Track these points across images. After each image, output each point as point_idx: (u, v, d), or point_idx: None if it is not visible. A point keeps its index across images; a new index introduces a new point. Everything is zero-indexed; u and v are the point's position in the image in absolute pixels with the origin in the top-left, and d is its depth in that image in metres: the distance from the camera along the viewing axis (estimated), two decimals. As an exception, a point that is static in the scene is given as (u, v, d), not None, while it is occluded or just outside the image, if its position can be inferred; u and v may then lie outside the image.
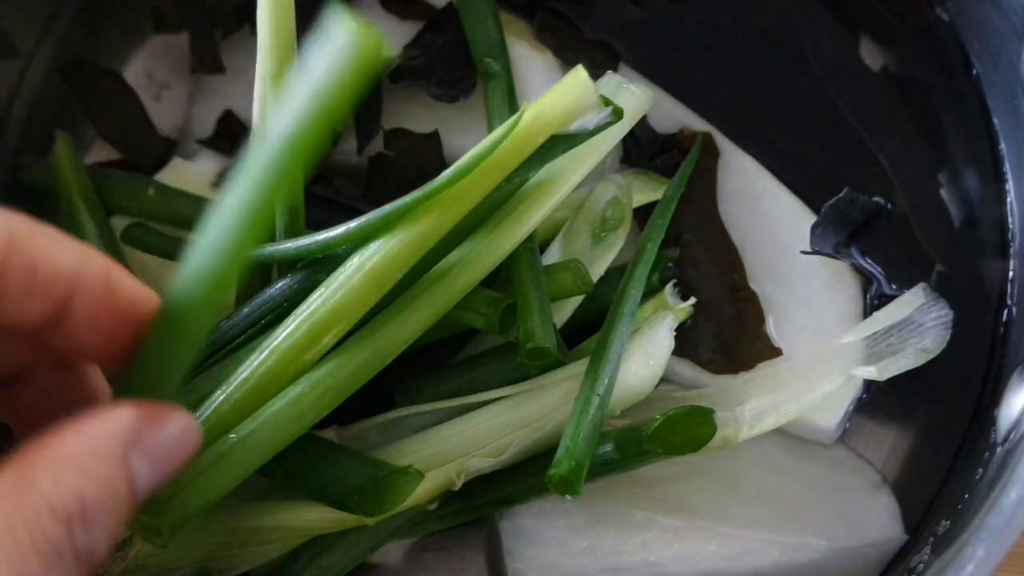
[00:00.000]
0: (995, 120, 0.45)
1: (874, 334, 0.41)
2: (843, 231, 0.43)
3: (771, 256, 0.44)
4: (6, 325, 0.26)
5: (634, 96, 0.41)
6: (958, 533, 0.36)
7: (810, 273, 0.43)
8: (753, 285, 0.43)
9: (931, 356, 0.40)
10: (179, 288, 0.27)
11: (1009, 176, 0.44)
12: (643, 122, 0.45)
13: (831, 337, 0.42)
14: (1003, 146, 0.44)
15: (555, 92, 0.33)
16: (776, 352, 0.42)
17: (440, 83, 0.44)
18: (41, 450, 0.24)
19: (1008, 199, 0.44)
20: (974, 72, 0.45)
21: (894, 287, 0.43)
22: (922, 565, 0.37)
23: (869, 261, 0.43)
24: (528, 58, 0.44)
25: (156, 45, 0.48)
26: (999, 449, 0.39)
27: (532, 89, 0.43)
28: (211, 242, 0.26)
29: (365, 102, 0.44)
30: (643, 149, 0.44)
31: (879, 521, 0.41)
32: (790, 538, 0.40)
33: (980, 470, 0.39)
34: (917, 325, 0.40)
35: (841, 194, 0.43)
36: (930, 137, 0.45)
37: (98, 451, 0.24)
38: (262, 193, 0.25)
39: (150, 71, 0.48)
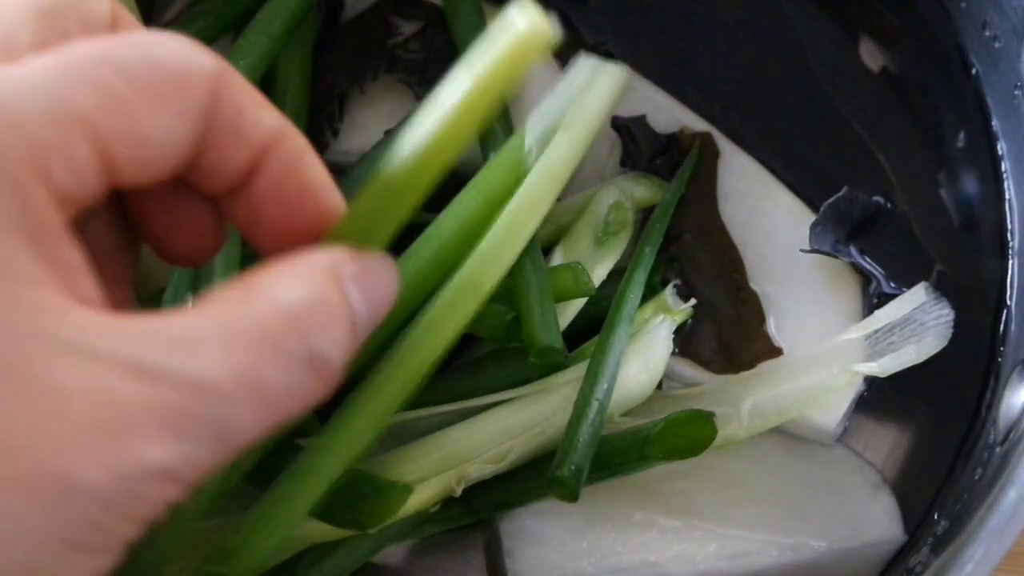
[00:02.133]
0: (995, 120, 0.45)
1: (875, 332, 0.41)
2: (842, 230, 0.43)
3: (771, 256, 0.44)
4: (208, 169, 0.25)
5: (612, 75, 0.40)
6: (957, 533, 0.36)
7: (810, 273, 0.44)
8: (753, 285, 0.43)
9: (932, 353, 0.40)
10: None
11: (1008, 176, 0.44)
12: (643, 122, 0.45)
13: (832, 336, 0.42)
14: (1002, 146, 0.44)
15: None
16: (777, 352, 0.42)
17: (430, 82, 0.44)
18: (261, 269, 0.23)
19: (1007, 199, 0.44)
20: (974, 72, 0.45)
21: (893, 286, 0.43)
22: (921, 565, 0.37)
23: (868, 260, 0.43)
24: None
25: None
26: (999, 449, 0.39)
27: (530, 90, 0.43)
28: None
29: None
30: (643, 149, 0.44)
31: (879, 521, 0.41)
32: (790, 538, 0.40)
33: (980, 470, 0.39)
34: (918, 324, 0.40)
35: (840, 193, 0.43)
36: (930, 137, 0.45)
37: (318, 268, 0.24)
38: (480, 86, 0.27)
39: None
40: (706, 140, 0.44)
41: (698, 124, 0.45)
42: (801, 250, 0.43)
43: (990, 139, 0.45)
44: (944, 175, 0.45)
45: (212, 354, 0.21)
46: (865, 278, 0.43)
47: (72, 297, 0.21)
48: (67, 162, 0.21)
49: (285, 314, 0.23)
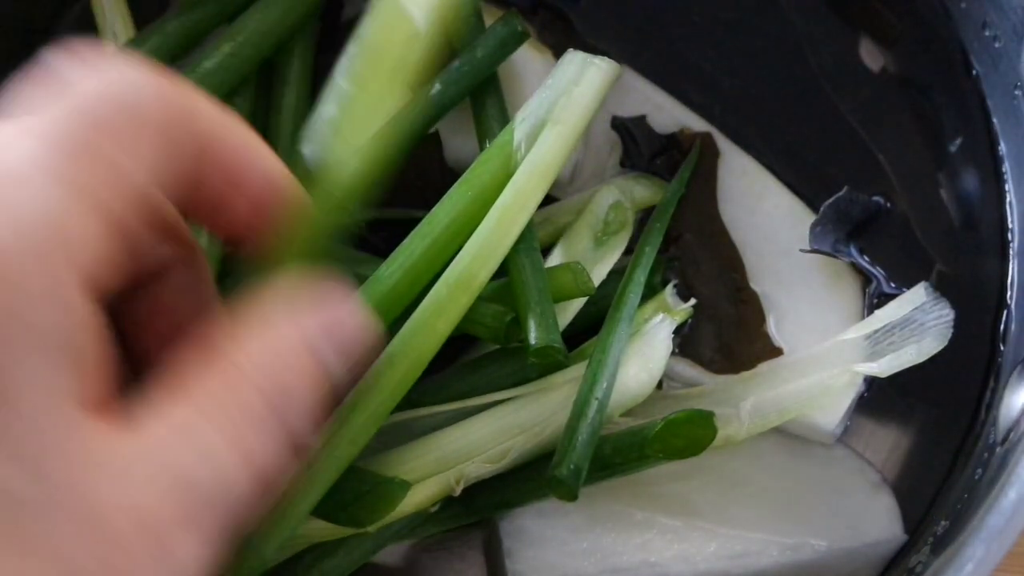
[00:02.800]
0: (995, 120, 0.45)
1: (875, 332, 0.41)
2: (842, 230, 0.43)
3: (771, 256, 0.44)
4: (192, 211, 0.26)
5: (600, 70, 0.40)
6: (957, 533, 0.36)
7: (811, 273, 0.44)
8: (753, 285, 0.43)
9: (932, 353, 0.40)
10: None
11: (1008, 176, 0.44)
12: (643, 122, 0.45)
13: (832, 336, 0.42)
14: (1003, 146, 0.44)
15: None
16: (777, 352, 0.42)
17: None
18: (230, 341, 0.24)
19: (1008, 199, 0.44)
20: (974, 72, 0.45)
21: (893, 286, 0.43)
22: (921, 565, 0.37)
23: (868, 260, 0.43)
24: (528, 59, 0.44)
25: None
26: (999, 449, 0.39)
27: (524, 86, 0.43)
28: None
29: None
30: (642, 150, 0.44)
31: (879, 521, 0.41)
32: (790, 538, 0.40)
33: (980, 470, 0.39)
34: (918, 324, 0.40)
35: (840, 193, 0.43)
36: (930, 137, 0.45)
37: (292, 342, 0.25)
38: None
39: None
40: (706, 140, 0.44)
41: (698, 124, 0.45)
42: (801, 250, 0.43)
43: (990, 139, 0.45)
44: (944, 175, 0.45)
45: (221, 446, 0.23)
46: (865, 278, 0.43)
47: (105, 417, 0.22)
48: (95, 255, 0.22)
49: (267, 401, 0.24)
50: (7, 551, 0.20)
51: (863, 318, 0.42)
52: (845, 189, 0.43)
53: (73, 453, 0.21)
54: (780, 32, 0.46)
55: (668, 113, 0.45)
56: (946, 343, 0.40)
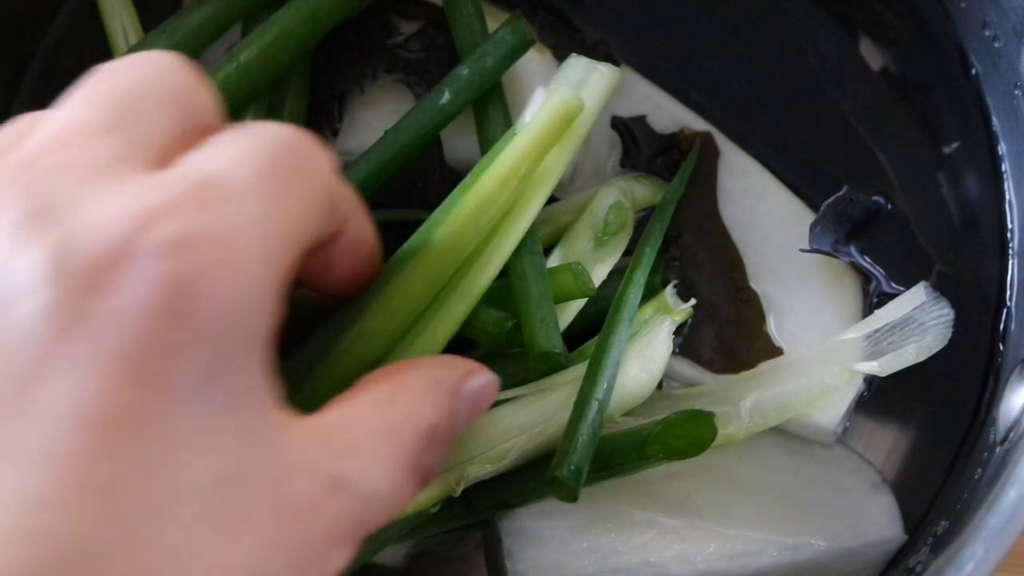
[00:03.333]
0: (994, 120, 0.45)
1: (875, 331, 0.41)
2: (842, 229, 0.43)
3: (771, 256, 0.44)
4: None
5: (603, 76, 0.41)
6: (957, 533, 0.36)
7: (811, 273, 0.44)
8: (754, 285, 0.43)
9: (933, 352, 0.40)
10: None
11: (1008, 176, 0.44)
12: (642, 122, 0.45)
13: (832, 336, 0.42)
14: (1002, 146, 0.44)
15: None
16: (777, 351, 0.42)
17: (430, 83, 0.44)
18: (393, 376, 0.28)
19: (1007, 199, 0.44)
20: (974, 72, 0.45)
21: (893, 286, 0.43)
22: (921, 565, 0.37)
23: (868, 260, 0.43)
24: (528, 59, 0.44)
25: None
26: (999, 449, 0.39)
27: (531, 90, 0.43)
28: None
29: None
30: (642, 150, 0.44)
31: (878, 521, 0.41)
32: (790, 538, 0.40)
33: (979, 470, 0.39)
34: (918, 324, 0.40)
35: (840, 193, 0.43)
36: (930, 137, 0.45)
37: (444, 385, 0.29)
38: None
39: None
40: (706, 140, 0.44)
41: (698, 124, 0.45)
42: (801, 250, 0.43)
43: (990, 139, 0.45)
44: (944, 175, 0.45)
45: (374, 464, 0.26)
46: (865, 278, 0.43)
47: (281, 408, 0.25)
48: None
49: (420, 437, 0.27)
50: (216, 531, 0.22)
51: (863, 318, 0.42)
52: (845, 189, 0.43)
53: (268, 441, 0.24)
54: (780, 32, 0.46)
55: (668, 113, 0.45)
56: (946, 342, 0.40)
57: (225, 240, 0.23)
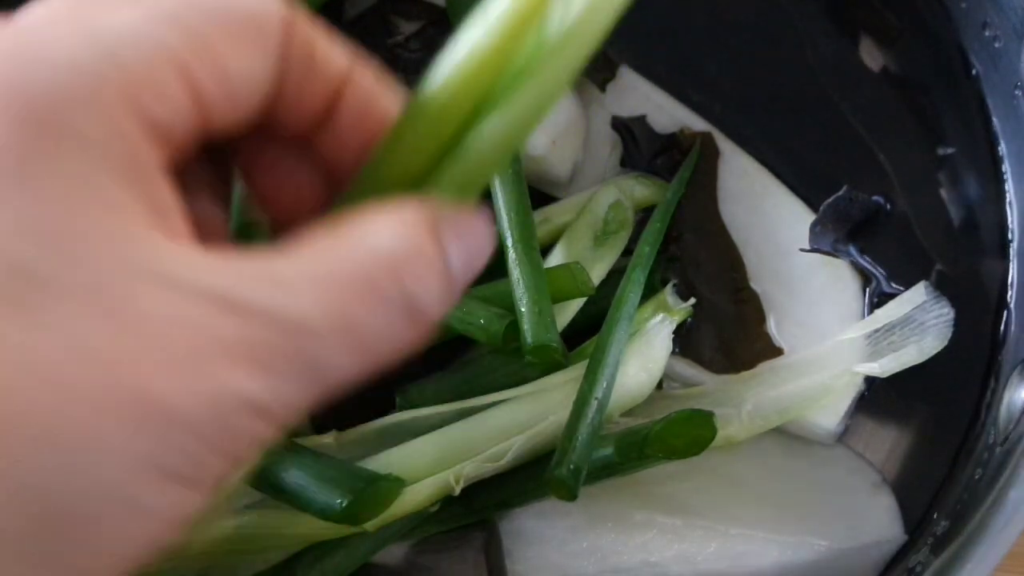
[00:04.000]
0: (994, 120, 0.45)
1: (875, 331, 0.41)
2: (842, 229, 0.43)
3: (772, 256, 0.44)
4: (285, 117, 0.25)
5: None
6: (957, 533, 0.36)
7: (811, 272, 0.44)
8: (754, 284, 0.43)
9: (933, 353, 0.40)
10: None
11: (1009, 176, 0.44)
12: (643, 122, 0.45)
13: (832, 336, 0.42)
14: (1002, 146, 0.44)
15: None
16: (777, 351, 0.42)
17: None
18: (356, 215, 0.23)
19: (1007, 199, 0.44)
20: (974, 72, 0.45)
21: (894, 286, 0.43)
22: (921, 565, 0.37)
23: (868, 259, 0.43)
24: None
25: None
26: (999, 449, 0.39)
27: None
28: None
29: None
30: (642, 150, 0.44)
31: (879, 521, 0.41)
32: (790, 538, 0.40)
33: (979, 470, 0.39)
34: (918, 324, 0.40)
35: (840, 192, 0.43)
36: (930, 137, 0.45)
37: (416, 218, 0.23)
38: None
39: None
40: (706, 140, 0.45)
41: (698, 124, 0.45)
42: (801, 249, 0.43)
43: (990, 139, 0.45)
44: (944, 175, 0.45)
45: (306, 294, 0.21)
46: (865, 278, 0.43)
47: (164, 232, 0.21)
48: (160, 97, 0.21)
49: (381, 259, 0.22)
50: (11, 324, 0.19)
51: (863, 318, 0.42)
52: (844, 188, 0.43)
53: (117, 255, 0.20)
54: (781, 32, 0.46)
55: (668, 113, 0.45)
56: (946, 342, 0.40)
57: None
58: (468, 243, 0.24)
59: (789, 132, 0.45)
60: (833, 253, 0.43)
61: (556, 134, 0.44)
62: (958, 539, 0.36)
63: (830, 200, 0.43)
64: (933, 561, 0.37)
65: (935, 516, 0.41)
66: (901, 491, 0.42)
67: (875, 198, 0.44)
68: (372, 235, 0.23)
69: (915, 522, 0.41)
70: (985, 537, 0.33)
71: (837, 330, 0.42)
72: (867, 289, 0.43)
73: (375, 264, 0.22)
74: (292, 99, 0.25)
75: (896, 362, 0.40)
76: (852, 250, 0.43)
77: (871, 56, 0.46)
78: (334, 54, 0.26)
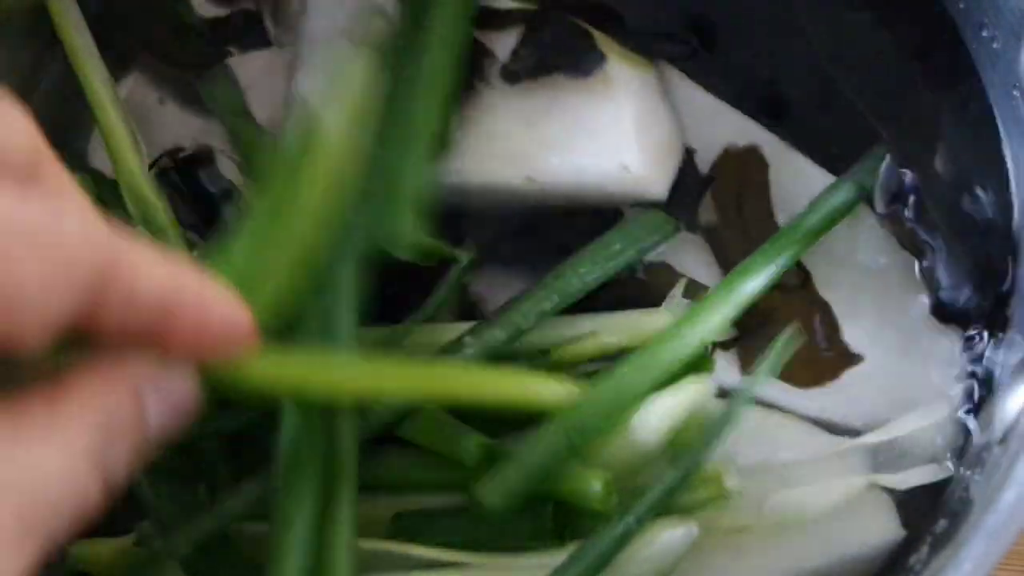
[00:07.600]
0: (995, 120, 0.45)
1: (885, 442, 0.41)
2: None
3: (836, 261, 0.44)
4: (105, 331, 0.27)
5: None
6: (956, 532, 0.37)
7: (874, 276, 0.44)
8: (822, 292, 0.43)
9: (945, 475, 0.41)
10: None
11: (1010, 177, 0.44)
12: (690, 159, 0.44)
13: (906, 337, 0.42)
14: (1004, 147, 0.44)
15: None
16: (857, 359, 0.43)
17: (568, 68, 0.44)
18: (76, 376, 0.26)
19: (1009, 200, 0.44)
20: (974, 72, 0.45)
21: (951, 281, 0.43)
22: (920, 564, 0.38)
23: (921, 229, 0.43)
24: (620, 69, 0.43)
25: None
26: (998, 449, 0.39)
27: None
28: None
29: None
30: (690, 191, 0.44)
31: (878, 520, 0.41)
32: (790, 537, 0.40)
33: (979, 470, 0.39)
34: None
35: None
36: (930, 137, 0.45)
37: (119, 384, 0.26)
38: None
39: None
40: (748, 157, 0.44)
41: (745, 126, 0.45)
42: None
43: (991, 140, 0.45)
44: (944, 175, 0.45)
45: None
46: (928, 282, 0.43)
47: None
48: None
49: (82, 422, 0.25)
50: None
51: (930, 313, 0.43)
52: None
53: None
54: (781, 26, 0.46)
55: (711, 119, 0.45)
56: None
57: None
58: (170, 400, 0.27)
59: (822, 129, 0.45)
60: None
61: (655, 150, 0.43)
62: (957, 538, 0.36)
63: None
64: (932, 560, 0.37)
65: (935, 516, 0.41)
66: (901, 491, 0.42)
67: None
68: (82, 410, 0.25)
69: (915, 522, 0.41)
70: (984, 536, 0.33)
71: (908, 334, 0.42)
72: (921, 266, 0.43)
73: (83, 424, 0.25)
74: (109, 325, 0.25)
75: (914, 478, 0.41)
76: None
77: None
78: (157, 286, 0.26)
